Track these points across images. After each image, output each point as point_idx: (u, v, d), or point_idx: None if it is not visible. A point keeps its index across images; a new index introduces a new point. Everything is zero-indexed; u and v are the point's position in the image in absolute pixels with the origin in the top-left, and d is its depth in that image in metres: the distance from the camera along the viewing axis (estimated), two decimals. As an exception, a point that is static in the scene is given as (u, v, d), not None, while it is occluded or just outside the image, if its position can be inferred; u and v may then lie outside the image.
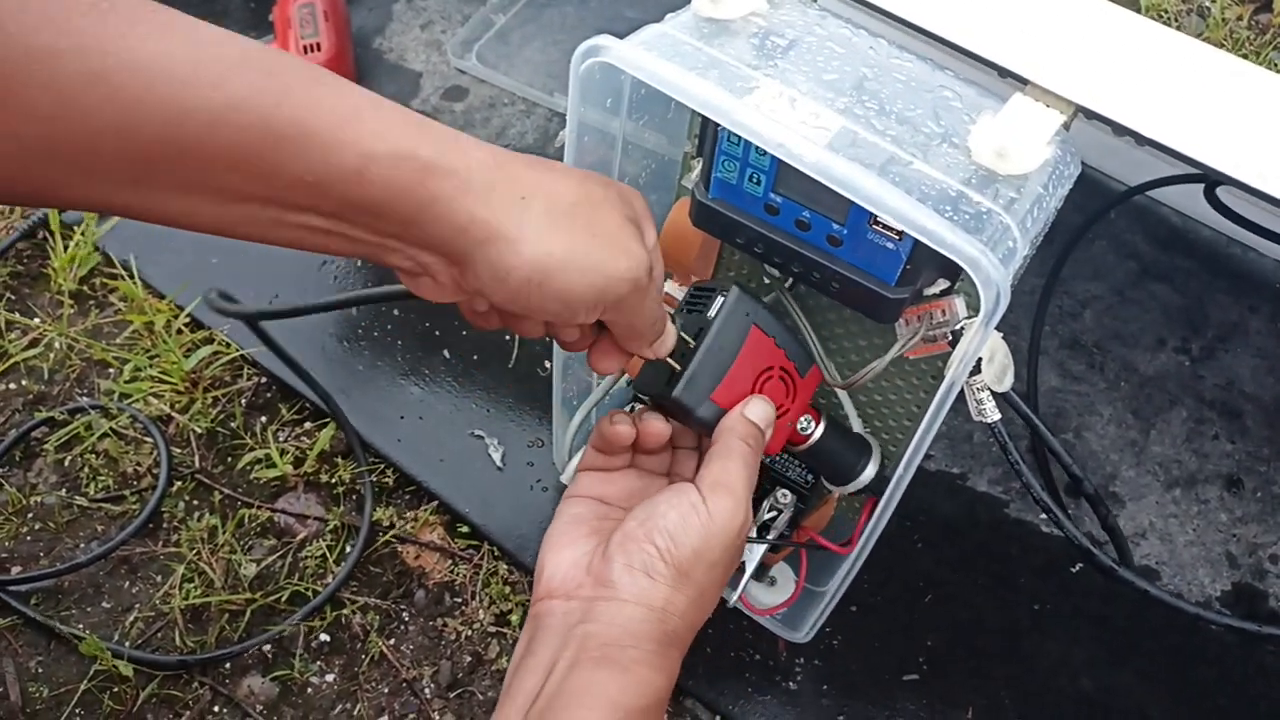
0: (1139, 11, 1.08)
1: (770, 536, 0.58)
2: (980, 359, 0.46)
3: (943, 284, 0.49)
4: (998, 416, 0.47)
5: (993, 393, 0.48)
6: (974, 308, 0.48)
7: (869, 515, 0.55)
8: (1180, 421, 0.79)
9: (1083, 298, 0.84)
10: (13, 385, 0.76)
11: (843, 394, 0.59)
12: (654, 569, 0.45)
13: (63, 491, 0.72)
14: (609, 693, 0.42)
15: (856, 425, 0.60)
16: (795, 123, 0.43)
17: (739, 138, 0.46)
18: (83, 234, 0.81)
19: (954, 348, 0.48)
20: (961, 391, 0.47)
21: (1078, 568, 0.71)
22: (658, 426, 0.50)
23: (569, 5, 1.02)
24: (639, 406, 0.54)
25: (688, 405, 0.49)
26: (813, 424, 0.55)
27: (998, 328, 0.43)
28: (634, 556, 0.45)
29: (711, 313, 0.49)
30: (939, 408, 0.45)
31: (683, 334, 0.49)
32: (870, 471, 0.56)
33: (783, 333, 0.51)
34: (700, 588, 0.46)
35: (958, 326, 0.49)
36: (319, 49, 0.90)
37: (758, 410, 0.50)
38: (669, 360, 0.49)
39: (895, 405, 0.59)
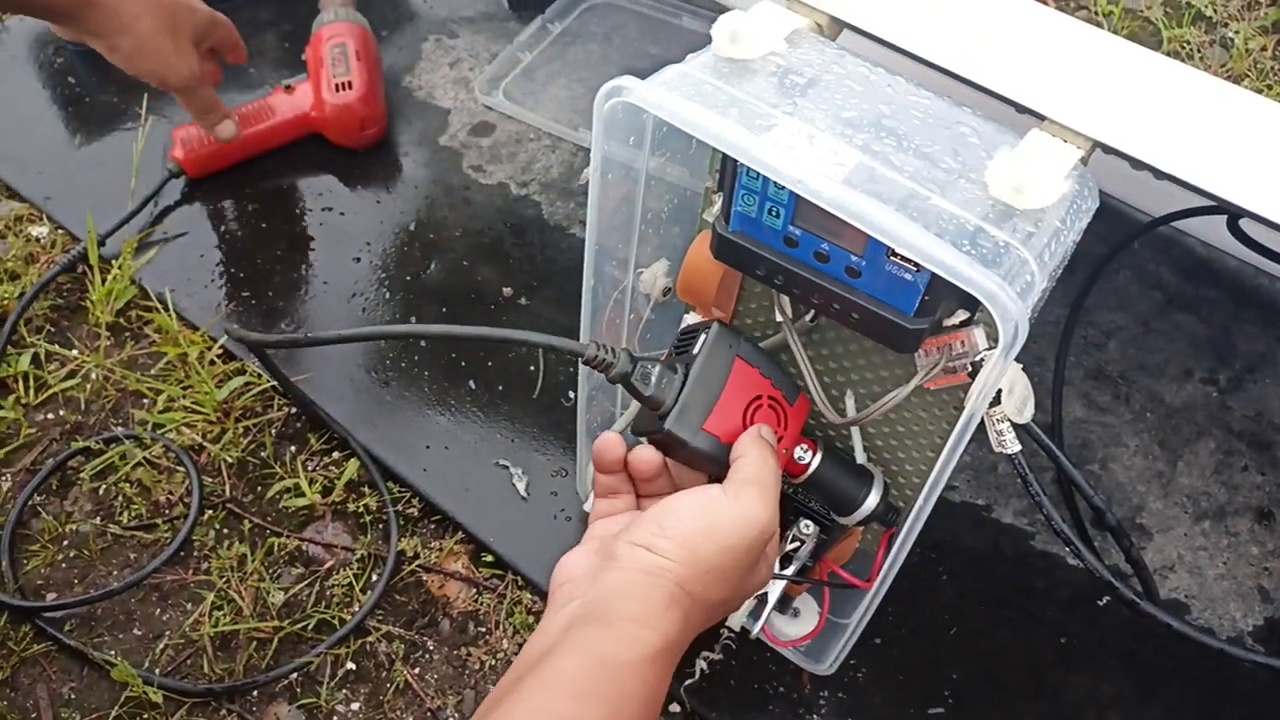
0: (1161, 44, 1.08)
1: (793, 567, 0.58)
2: (1000, 390, 0.46)
3: (962, 315, 0.50)
4: (1018, 448, 0.47)
5: (1013, 424, 0.48)
6: (994, 339, 0.48)
7: (888, 548, 0.55)
8: (1209, 453, 0.78)
9: (1107, 328, 0.84)
10: (51, 415, 0.78)
11: (854, 427, 0.60)
12: (655, 544, 0.45)
13: (97, 519, 0.73)
14: (591, 643, 0.42)
15: (861, 458, 0.60)
16: (814, 159, 0.44)
17: (758, 173, 0.47)
18: (120, 268, 0.84)
19: (974, 379, 0.48)
20: (982, 423, 0.48)
21: (1104, 601, 0.70)
22: (647, 454, 0.52)
23: (593, 43, 1.04)
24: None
25: (681, 436, 0.50)
26: (810, 453, 0.56)
27: (1021, 358, 0.43)
28: (638, 534, 0.46)
29: (696, 349, 0.52)
30: (959, 439, 0.45)
31: (670, 369, 0.52)
32: (872, 501, 0.56)
33: (767, 363, 0.54)
34: (711, 567, 0.45)
35: (977, 358, 0.49)
36: (350, 87, 0.91)
37: (765, 430, 0.52)
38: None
39: (918, 436, 0.59)
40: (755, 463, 0.49)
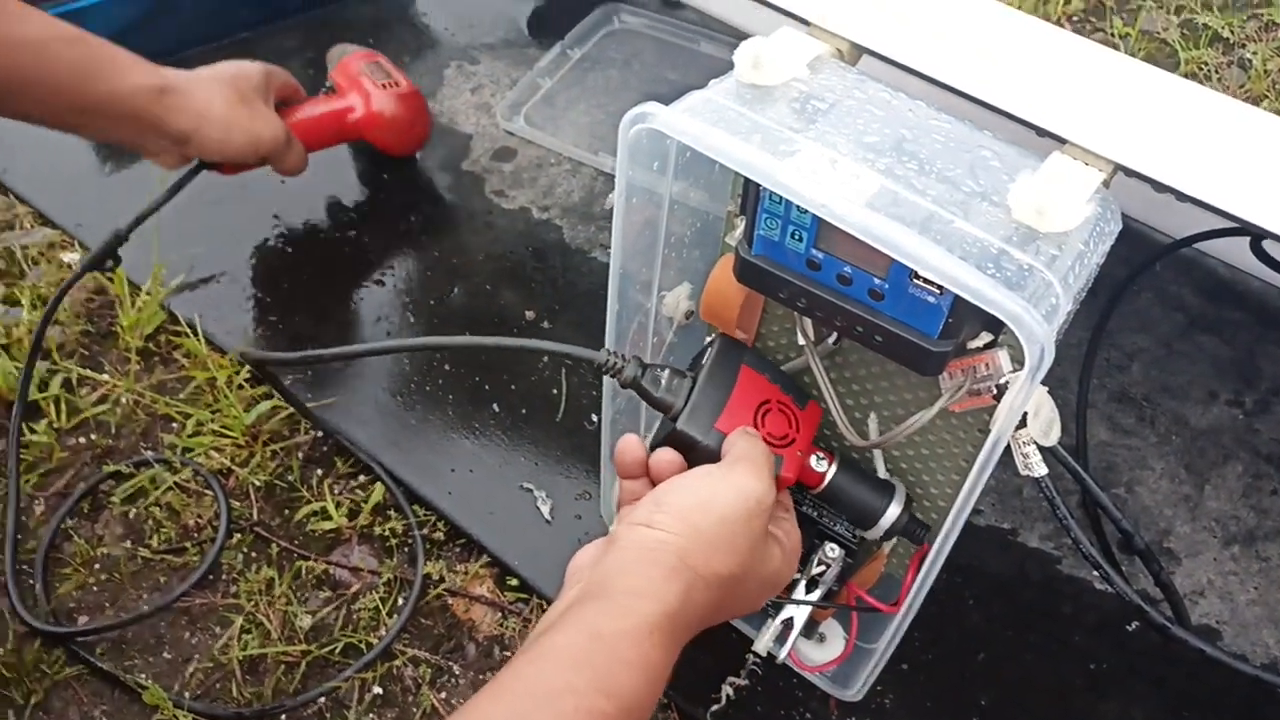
0: (1178, 65, 1.08)
1: (818, 591, 0.58)
2: (1026, 413, 0.46)
3: (986, 337, 0.50)
4: (1044, 471, 0.47)
5: (1039, 447, 0.48)
6: (1018, 361, 0.48)
7: (916, 571, 0.54)
8: (1236, 476, 0.77)
9: (1130, 350, 0.84)
10: (82, 439, 0.79)
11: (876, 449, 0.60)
12: (653, 519, 0.46)
13: (127, 543, 0.74)
14: (586, 617, 0.42)
15: (882, 476, 0.60)
16: (837, 183, 0.44)
17: (781, 197, 0.47)
18: (149, 294, 0.85)
19: (999, 402, 0.48)
20: (1008, 446, 0.48)
21: (1133, 626, 0.70)
22: (667, 455, 0.53)
23: (612, 69, 1.05)
24: None
25: (693, 435, 0.53)
26: (826, 463, 0.56)
27: (1044, 381, 0.43)
28: (638, 514, 0.46)
29: (704, 359, 0.55)
30: (985, 463, 0.45)
31: (680, 375, 0.55)
32: (893, 512, 0.56)
33: (774, 371, 0.56)
34: (710, 538, 0.46)
35: (1002, 380, 0.49)
36: (396, 85, 0.91)
37: (751, 430, 0.53)
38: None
39: (943, 459, 0.59)
40: (745, 444, 0.51)
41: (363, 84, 0.90)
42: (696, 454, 0.53)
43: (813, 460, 0.56)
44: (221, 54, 1.05)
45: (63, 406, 0.80)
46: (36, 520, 0.75)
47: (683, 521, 0.46)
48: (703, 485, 0.48)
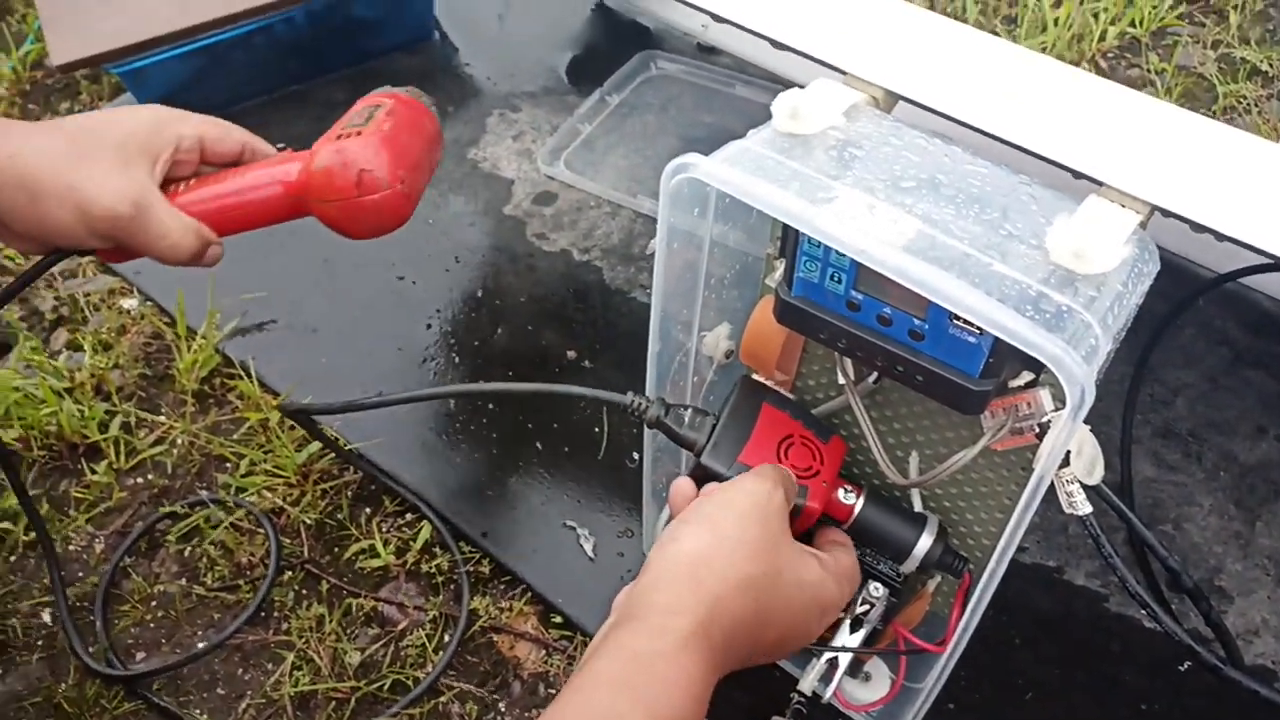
0: (1216, 99, 1.08)
1: (863, 631, 0.58)
2: (1069, 452, 0.46)
3: (1027, 376, 0.50)
4: (1089, 509, 0.47)
5: (1083, 485, 0.48)
6: (1060, 400, 0.48)
7: (961, 609, 0.54)
8: (1287, 512, 0.76)
9: (1174, 385, 0.83)
10: (140, 480, 0.82)
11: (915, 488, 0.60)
12: (678, 531, 0.47)
13: (183, 581, 0.76)
14: (624, 640, 0.43)
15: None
16: (875, 228, 0.45)
17: (819, 240, 0.49)
18: (204, 338, 0.88)
19: (1041, 440, 0.48)
20: (1052, 484, 0.48)
21: (1185, 666, 0.69)
22: (683, 486, 0.55)
23: (649, 114, 1.07)
24: None
25: (717, 468, 0.55)
26: (854, 495, 0.57)
27: (1087, 417, 0.43)
28: (666, 532, 0.48)
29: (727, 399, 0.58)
30: (1029, 502, 0.45)
31: (702, 414, 0.58)
32: (925, 543, 0.56)
33: (795, 408, 0.58)
34: (732, 538, 0.46)
35: (1044, 419, 0.49)
36: (357, 135, 0.61)
37: None
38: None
39: (986, 498, 0.59)
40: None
41: (324, 137, 0.62)
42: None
43: (840, 493, 0.57)
44: (272, 107, 1.09)
45: (121, 447, 0.83)
46: (97, 559, 0.78)
47: (703, 526, 0.47)
48: (716, 494, 0.50)
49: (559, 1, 1.19)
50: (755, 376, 0.63)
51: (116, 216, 0.56)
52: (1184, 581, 0.56)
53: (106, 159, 0.56)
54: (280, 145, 0.65)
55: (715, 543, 0.46)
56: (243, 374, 0.85)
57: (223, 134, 0.62)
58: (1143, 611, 0.71)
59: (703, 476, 0.56)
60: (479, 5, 1.19)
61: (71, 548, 0.79)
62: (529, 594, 0.74)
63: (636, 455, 0.80)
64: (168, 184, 0.60)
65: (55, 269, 0.97)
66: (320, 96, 1.10)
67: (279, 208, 0.62)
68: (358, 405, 0.70)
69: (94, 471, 0.82)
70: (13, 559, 0.78)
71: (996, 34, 1.16)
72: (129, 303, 0.94)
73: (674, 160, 0.49)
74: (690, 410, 0.58)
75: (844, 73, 0.53)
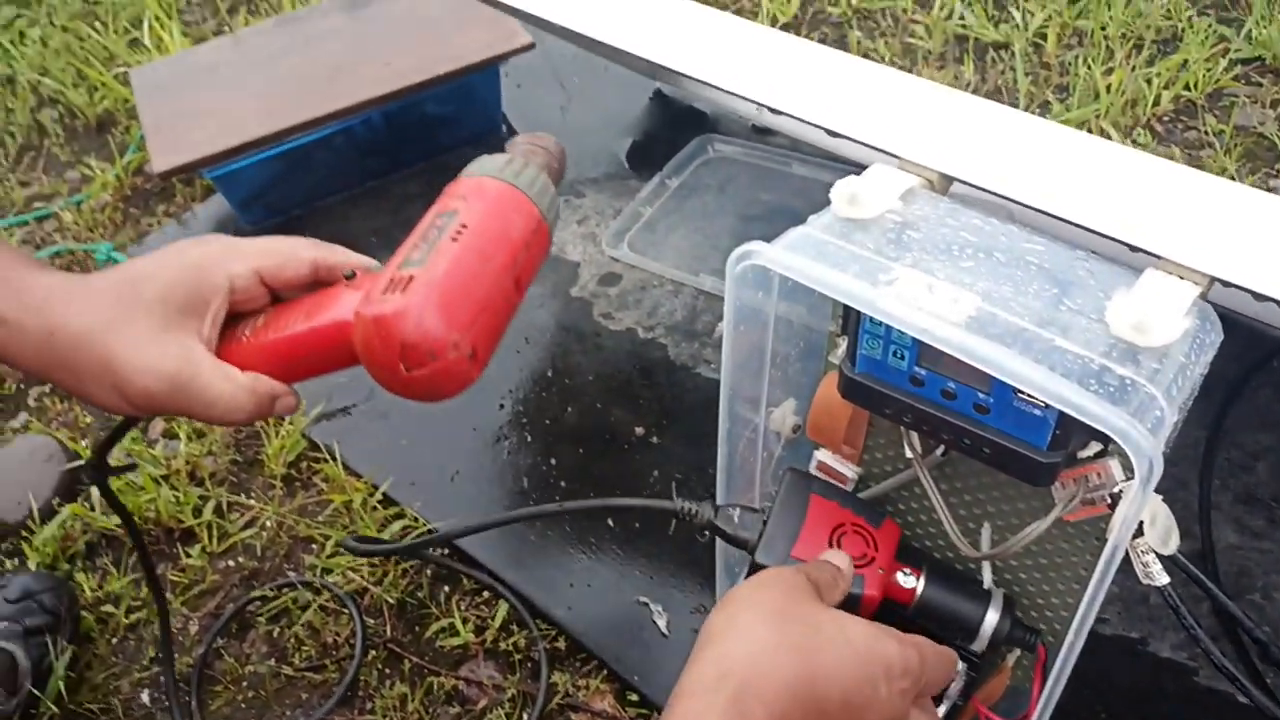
0: (1278, 159, 1.08)
1: (944, 707, 0.58)
2: (1142, 522, 0.46)
3: (1096, 446, 0.51)
4: (1166, 580, 0.47)
5: (1159, 555, 0.48)
6: (1130, 469, 0.49)
7: (1041, 683, 0.54)
8: (1383, 578, 0.74)
9: (1253, 449, 0.81)
10: (231, 562, 0.86)
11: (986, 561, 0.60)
12: (704, 656, 0.43)
13: (272, 661, 0.79)
14: None
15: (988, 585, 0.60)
16: (936, 307, 0.47)
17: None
18: (291, 424, 0.92)
19: (1113, 509, 0.48)
20: (1127, 554, 0.48)
21: (1283, 741, 0.66)
22: None
23: (708, 194, 1.11)
24: None
25: (770, 565, 0.55)
26: (914, 578, 0.57)
27: (1162, 484, 0.43)
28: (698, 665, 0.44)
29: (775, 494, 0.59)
30: (1104, 574, 0.45)
31: (751, 511, 0.59)
32: (992, 619, 0.56)
33: (845, 496, 0.59)
34: (753, 639, 0.43)
35: (1115, 489, 0.50)
36: (407, 286, 0.49)
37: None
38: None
39: (1061, 569, 0.59)
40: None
41: (384, 272, 0.51)
42: None
43: (899, 577, 0.57)
44: (351, 203, 1.16)
45: (214, 531, 0.87)
46: (191, 640, 0.81)
47: (714, 638, 0.44)
48: (730, 598, 0.46)
49: (618, 91, 1.24)
50: (819, 453, 0.64)
51: (152, 395, 0.50)
52: (1274, 654, 0.55)
53: (145, 323, 0.50)
54: (348, 274, 0.54)
55: (747, 644, 0.43)
56: (328, 457, 0.89)
57: (282, 262, 0.54)
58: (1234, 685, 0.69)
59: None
60: (543, 98, 1.26)
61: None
62: (604, 671, 0.75)
63: (707, 531, 0.81)
64: (236, 323, 0.54)
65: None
66: (397, 191, 1.16)
67: (347, 356, 0.52)
68: (413, 548, 0.74)
69: (189, 555, 0.86)
70: (114, 641, 0.82)
71: (1049, 103, 1.17)
72: (220, 391, 0.99)
73: (739, 248, 0.51)
74: (739, 510, 0.59)
75: (899, 158, 0.55)
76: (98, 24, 1.49)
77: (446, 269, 0.49)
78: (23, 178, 1.28)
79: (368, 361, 0.49)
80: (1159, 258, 0.47)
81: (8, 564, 0.88)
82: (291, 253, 0.54)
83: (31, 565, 0.87)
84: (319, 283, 0.54)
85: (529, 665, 0.76)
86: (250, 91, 1.11)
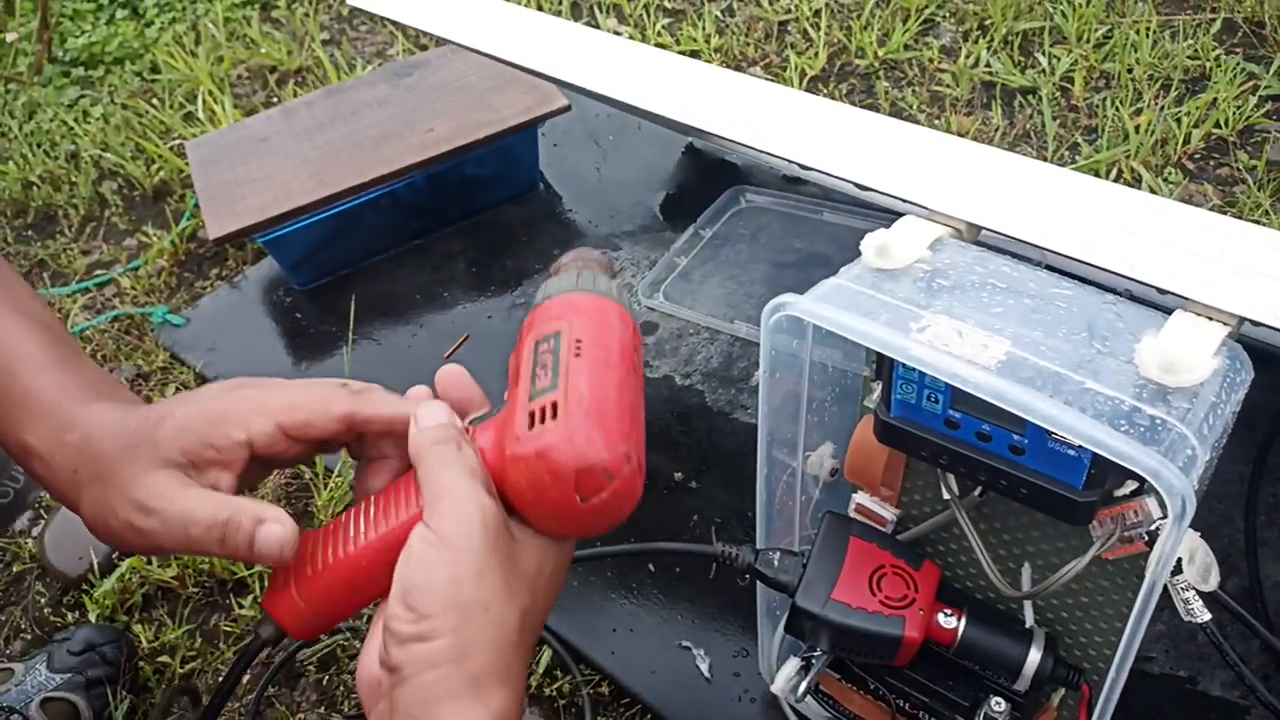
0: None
1: (989, 747, 0.58)
2: (1180, 559, 0.47)
3: (1132, 484, 0.51)
4: (1207, 616, 0.47)
5: (1199, 592, 0.48)
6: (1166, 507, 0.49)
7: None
8: None
9: (1298, 484, 0.81)
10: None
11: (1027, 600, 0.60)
12: (422, 630, 0.40)
13: (321, 709, 0.80)
14: None
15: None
16: (966, 353, 0.48)
17: (915, 366, 0.52)
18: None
19: (1151, 547, 0.49)
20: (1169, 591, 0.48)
21: (1343, 783, 0.65)
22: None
23: (741, 243, 1.13)
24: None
25: (809, 609, 0.57)
26: (955, 618, 0.57)
27: (1206, 519, 0.44)
28: (400, 627, 0.41)
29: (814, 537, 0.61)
30: (1142, 611, 0.46)
31: (791, 555, 0.60)
32: (1034, 658, 0.56)
33: (884, 538, 0.60)
34: (479, 603, 0.41)
35: (1153, 527, 0.50)
36: (554, 413, 0.44)
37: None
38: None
39: (1103, 607, 0.59)
40: (434, 469, 0.44)
41: (514, 406, 0.46)
42: (816, 626, 0.57)
43: (940, 617, 0.58)
44: (396, 261, 1.20)
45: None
46: (243, 689, 0.83)
47: (450, 613, 0.40)
48: (442, 567, 0.41)
49: (651, 147, 1.28)
50: (857, 495, 0.65)
51: (134, 527, 0.47)
52: (1326, 691, 0.55)
53: (147, 462, 0.48)
54: (473, 419, 0.49)
55: (468, 620, 0.41)
56: (375, 508, 0.92)
57: (309, 419, 0.49)
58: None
59: (798, 618, 0.58)
60: (579, 157, 1.30)
61: (220, 679, 0.84)
62: (649, 716, 0.76)
63: (748, 574, 0.82)
64: (265, 468, 0.52)
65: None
66: (439, 249, 1.20)
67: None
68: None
69: (241, 605, 0.88)
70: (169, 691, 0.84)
71: (1078, 145, 1.19)
72: (272, 445, 1.03)
73: (773, 300, 0.53)
74: (779, 554, 0.61)
75: (927, 209, 0.57)
76: (155, 100, 1.56)
77: (590, 385, 0.45)
78: (84, 247, 1.34)
79: (536, 505, 0.44)
80: (1187, 299, 0.48)
81: (70, 616, 0.91)
82: (322, 408, 0.49)
83: (92, 617, 0.90)
84: (356, 436, 0.50)
85: (573, 711, 0.77)
86: (299, 159, 1.16)
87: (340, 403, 0.49)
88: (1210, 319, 0.48)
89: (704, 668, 0.78)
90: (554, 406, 0.44)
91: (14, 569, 0.96)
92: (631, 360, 0.48)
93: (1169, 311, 0.49)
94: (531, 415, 0.44)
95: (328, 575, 0.46)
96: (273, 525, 0.46)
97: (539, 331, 0.48)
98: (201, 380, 1.11)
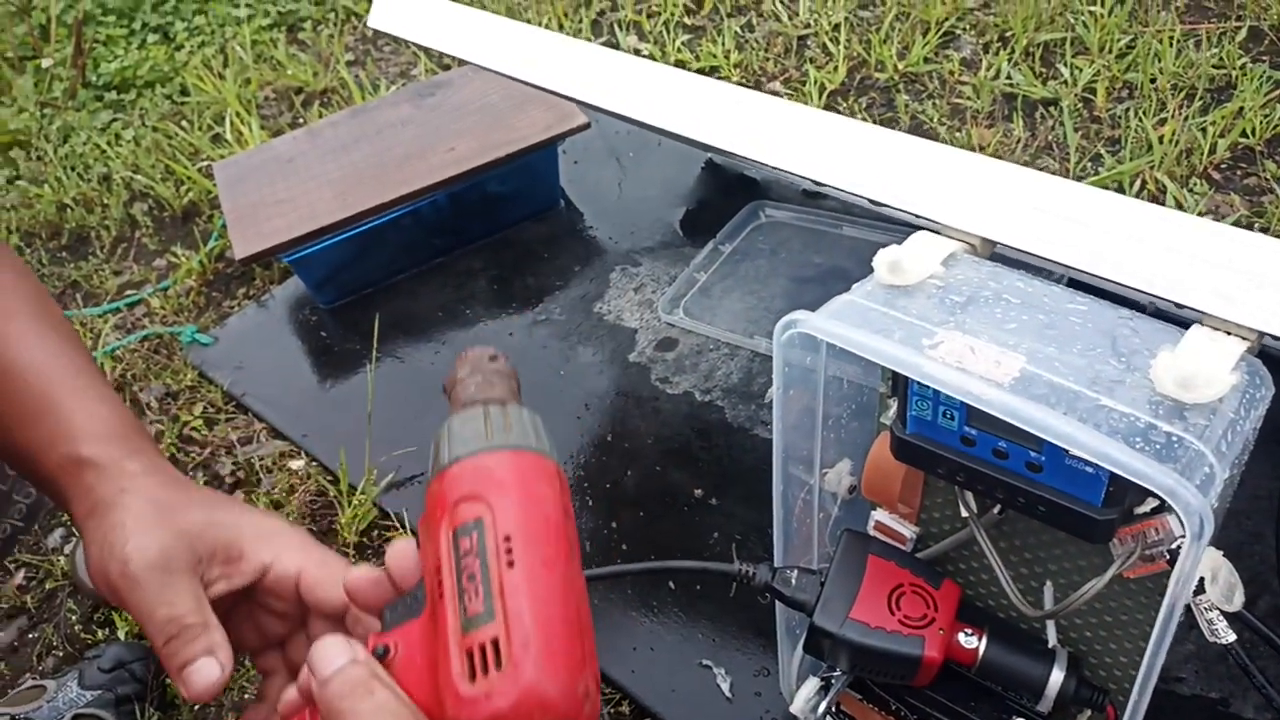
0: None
1: (1009, 769, 0.57)
2: (1202, 578, 0.46)
3: (1153, 502, 0.51)
4: (1232, 637, 0.47)
5: (1224, 613, 0.47)
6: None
7: (1111, 745, 0.53)
8: None
9: (1330, 500, 0.79)
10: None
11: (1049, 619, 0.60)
12: None
13: None
14: None
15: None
16: (980, 370, 0.48)
17: (929, 384, 0.51)
18: (363, 494, 0.96)
19: (1173, 566, 0.48)
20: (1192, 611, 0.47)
21: (1381, 808, 0.63)
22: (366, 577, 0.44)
23: (761, 258, 1.13)
24: None
25: (827, 628, 0.56)
26: (976, 638, 0.57)
27: (1235, 536, 0.43)
28: None
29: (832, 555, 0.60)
30: (1163, 631, 0.45)
31: (809, 573, 0.59)
32: (1056, 678, 0.55)
33: (903, 557, 0.59)
34: None
35: (1174, 545, 0.49)
36: (497, 660, 0.35)
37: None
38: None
39: (1127, 626, 0.58)
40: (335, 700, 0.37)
41: (444, 639, 0.37)
42: (835, 645, 0.57)
43: (960, 637, 0.57)
44: (419, 279, 1.21)
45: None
46: (249, 677, 0.84)
47: None
48: None
49: (671, 164, 1.28)
50: (876, 513, 0.65)
51: (125, 574, 0.45)
52: (1359, 713, 0.53)
53: (157, 519, 0.47)
54: (379, 651, 0.39)
55: None
56: (398, 525, 0.92)
57: (328, 577, 0.47)
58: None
59: (816, 637, 0.58)
60: (599, 174, 1.31)
61: (247, 696, 0.85)
62: (670, 735, 0.76)
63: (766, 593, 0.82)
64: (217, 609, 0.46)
65: (234, 437, 1.08)
66: (460, 266, 1.21)
67: None
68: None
69: (267, 621, 0.89)
70: (195, 708, 0.85)
71: (1100, 156, 1.18)
72: (297, 464, 1.04)
73: (784, 318, 0.53)
74: (796, 572, 0.60)
75: (940, 224, 0.57)
76: (184, 123, 1.60)
77: (532, 608, 0.37)
78: (115, 267, 1.37)
79: None
80: (1204, 313, 0.48)
81: (100, 633, 0.93)
82: (336, 579, 0.46)
83: (121, 634, 0.91)
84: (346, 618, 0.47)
85: (595, 730, 0.77)
86: (324, 179, 1.18)
87: (347, 578, 0.44)
88: (1228, 334, 0.47)
89: (725, 687, 0.77)
90: (495, 645, 0.36)
91: (46, 586, 0.98)
92: (566, 541, 0.39)
93: (1186, 326, 0.49)
94: (470, 656, 0.36)
95: None
96: (211, 665, 0.44)
97: (454, 517, 0.38)
98: (229, 398, 1.12)
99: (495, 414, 0.42)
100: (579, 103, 0.98)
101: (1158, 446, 0.43)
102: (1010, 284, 0.53)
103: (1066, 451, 0.49)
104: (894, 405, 0.57)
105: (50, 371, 0.53)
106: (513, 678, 0.35)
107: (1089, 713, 0.61)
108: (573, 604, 0.38)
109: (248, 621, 0.49)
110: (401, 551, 0.42)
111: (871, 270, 0.55)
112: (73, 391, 0.53)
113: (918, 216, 0.58)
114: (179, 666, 0.44)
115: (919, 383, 0.53)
